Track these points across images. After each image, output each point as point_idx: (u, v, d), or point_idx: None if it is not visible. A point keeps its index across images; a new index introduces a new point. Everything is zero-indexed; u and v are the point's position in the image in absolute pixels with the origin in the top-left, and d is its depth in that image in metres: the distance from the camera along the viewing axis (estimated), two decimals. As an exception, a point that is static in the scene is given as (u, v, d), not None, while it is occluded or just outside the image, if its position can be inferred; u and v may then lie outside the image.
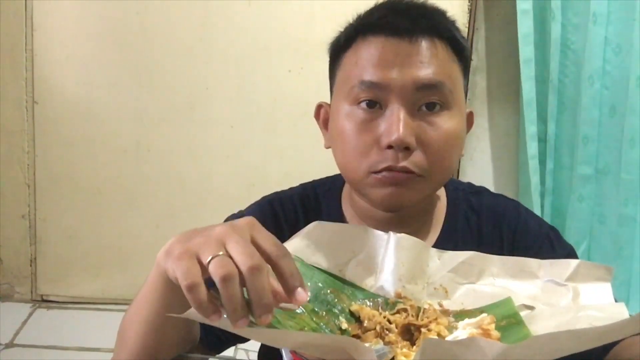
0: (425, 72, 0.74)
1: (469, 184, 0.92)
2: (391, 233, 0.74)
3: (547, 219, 2.11)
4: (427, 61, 0.74)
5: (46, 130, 2.16)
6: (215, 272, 0.51)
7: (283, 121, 2.16)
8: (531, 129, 2.04)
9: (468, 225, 0.86)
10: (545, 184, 2.11)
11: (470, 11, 2.11)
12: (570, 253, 0.83)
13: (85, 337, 2.03)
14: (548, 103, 2.04)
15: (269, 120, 2.17)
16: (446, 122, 0.75)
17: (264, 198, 0.90)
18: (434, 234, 0.85)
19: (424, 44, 0.74)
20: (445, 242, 0.83)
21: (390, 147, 0.73)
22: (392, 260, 0.73)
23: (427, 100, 0.74)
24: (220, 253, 0.52)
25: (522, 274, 0.72)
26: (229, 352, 1.92)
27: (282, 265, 0.54)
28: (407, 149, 0.73)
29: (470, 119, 0.84)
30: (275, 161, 2.18)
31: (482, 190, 0.91)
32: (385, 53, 0.74)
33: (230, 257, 0.52)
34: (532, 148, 2.05)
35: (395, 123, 0.72)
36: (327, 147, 0.83)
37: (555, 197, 2.14)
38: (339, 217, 0.87)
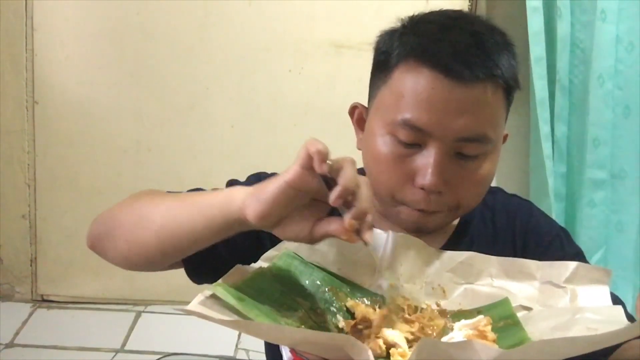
0: (471, 124, 0.73)
1: None
2: (390, 232, 0.75)
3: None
4: (476, 112, 0.73)
5: (46, 130, 2.16)
6: (343, 159, 0.59)
7: (283, 121, 2.16)
8: (545, 128, 1.97)
9: (483, 221, 0.88)
10: (555, 188, 2.03)
11: (470, 11, 2.10)
12: (579, 254, 0.85)
13: (85, 337, 2.02)
14: (556, 103, 1.99)
15: (269, 120, 2.16)
16: (481, 167, 0.76)
17: (258, 175, 0.91)
18: (450, 228, 0.86)
19: (476, 92, 0.72)
20: (461, 237, 0.85)
21: (422, 187, 0.74)
22: (390, 259, 0.73)
23: (467, 151, 0.75)
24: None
25: (521, 275, 0.72)
26: (229, 351, 1.91)
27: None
28: (438, 192, 0.74)
29: (504, 139, 0.83)
30: (275, 161, 2.17)
31: (496, 190, 0.93)
32: (434, 95, 0.72)
33: None
34: (547, 149, 1.98)
35: (431, 167, 0.73)
36: (359, 149, 0.83)
37: (567, 202, 2.07)
38: None
